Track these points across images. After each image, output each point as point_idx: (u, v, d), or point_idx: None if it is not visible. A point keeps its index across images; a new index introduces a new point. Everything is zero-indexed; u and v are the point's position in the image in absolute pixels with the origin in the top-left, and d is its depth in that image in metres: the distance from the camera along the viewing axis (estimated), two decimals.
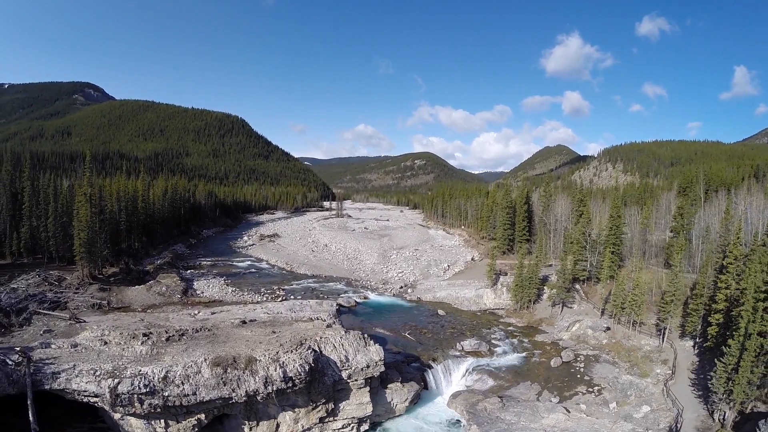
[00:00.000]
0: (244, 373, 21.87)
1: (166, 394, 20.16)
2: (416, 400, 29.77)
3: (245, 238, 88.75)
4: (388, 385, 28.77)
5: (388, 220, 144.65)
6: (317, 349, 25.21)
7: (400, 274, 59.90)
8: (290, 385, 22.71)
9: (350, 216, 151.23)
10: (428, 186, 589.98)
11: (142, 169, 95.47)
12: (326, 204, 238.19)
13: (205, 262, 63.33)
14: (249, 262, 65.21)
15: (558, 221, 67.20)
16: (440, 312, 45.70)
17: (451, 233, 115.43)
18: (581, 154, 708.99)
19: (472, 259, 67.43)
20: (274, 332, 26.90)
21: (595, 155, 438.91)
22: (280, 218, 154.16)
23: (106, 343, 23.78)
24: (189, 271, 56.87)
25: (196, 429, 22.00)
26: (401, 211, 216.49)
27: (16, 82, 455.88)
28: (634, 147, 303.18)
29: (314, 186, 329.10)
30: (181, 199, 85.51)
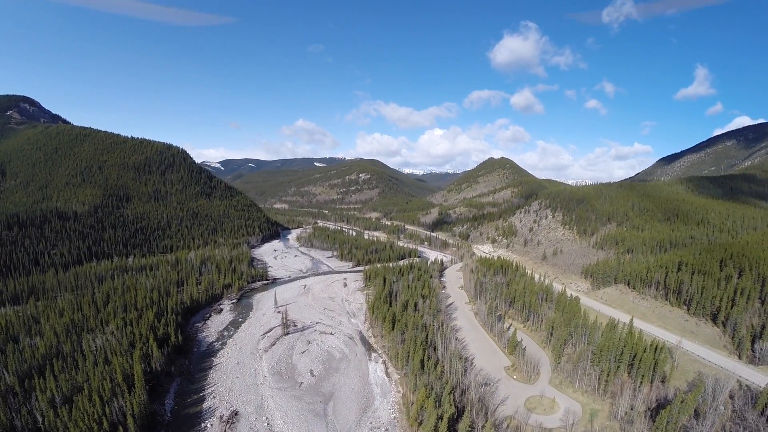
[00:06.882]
0: None
1: None
2: None
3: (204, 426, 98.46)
4: None
5: (332, 333, 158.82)
6: None
7: None
8: None
9: (295, 325, 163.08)
10: (373, 203, 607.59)
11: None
12: (272, 267, 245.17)
13: None
14: None
15: None
16: None
17: (389, 375, 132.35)
18: (526, 170, 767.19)
19: None
20: None
21: (536, 200, 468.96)
22: (227, 324, 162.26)
23: None
24: None
25: None
26: (345, 284, 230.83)
27: None
28: (575, 195, 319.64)
29: (258, 226, 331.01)
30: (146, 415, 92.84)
